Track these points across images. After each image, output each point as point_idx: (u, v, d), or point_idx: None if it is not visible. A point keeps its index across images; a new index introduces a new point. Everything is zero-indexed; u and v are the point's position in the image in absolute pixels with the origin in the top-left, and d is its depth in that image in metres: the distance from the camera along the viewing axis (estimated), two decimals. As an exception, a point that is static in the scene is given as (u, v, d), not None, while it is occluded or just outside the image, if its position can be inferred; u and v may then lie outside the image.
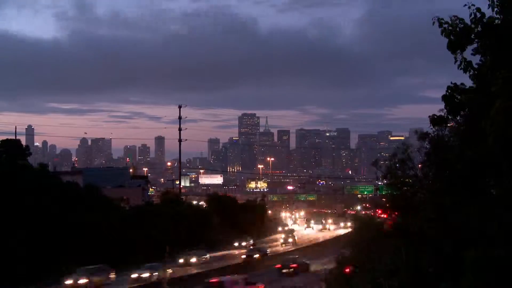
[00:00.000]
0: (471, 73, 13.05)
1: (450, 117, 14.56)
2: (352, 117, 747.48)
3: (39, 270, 57.40)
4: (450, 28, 12.92)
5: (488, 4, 12.57)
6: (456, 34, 12.88)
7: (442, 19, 13.06)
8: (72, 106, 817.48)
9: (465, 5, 12.75)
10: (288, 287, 58.24)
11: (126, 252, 70.21)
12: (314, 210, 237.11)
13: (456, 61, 12.97)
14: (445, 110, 14.32)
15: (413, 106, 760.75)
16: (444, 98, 13.65)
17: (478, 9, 12.74)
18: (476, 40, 12.87)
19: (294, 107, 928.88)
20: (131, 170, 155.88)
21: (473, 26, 12.79)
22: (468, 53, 13.09)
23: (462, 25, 12.90)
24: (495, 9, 12.55)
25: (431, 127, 16.63)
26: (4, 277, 55.03)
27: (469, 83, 13.51)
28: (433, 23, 13.09)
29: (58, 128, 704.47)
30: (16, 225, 58.76)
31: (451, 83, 13.61)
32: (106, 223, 70.53)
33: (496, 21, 12.64)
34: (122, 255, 68.76)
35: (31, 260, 58.28)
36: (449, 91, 13.48)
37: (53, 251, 60.87)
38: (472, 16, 12.73)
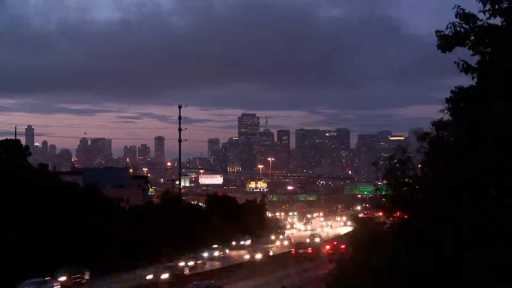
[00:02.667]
0: (472, 74, 13.12)
1: (454, 120, 14.62)
2: (358, 117, 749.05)
3: (38, 271, 57.31)
4: (444, 34, 13.07)
5: (479, 10, 12.67)
6: (446, 37, 13.01)
7: (442, 31, 13.25)
8: (82, 107, 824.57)
9: (454, 8, 12.88)
10: (288, 286, 58.36)
11: (125, 253, 70.23)
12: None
13: (458, 66, 13.04)
14: (448, 112, 14.38)
15: (421, 107, 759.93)
16: (448, 101, 13.71)
17: (472, 15, 12.84)
18: (470, 43, 12.96)
19: (303, 107, 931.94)
20: (131, 170, 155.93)
21: (468, 29, 12.90)
22: (468, 53, 13.15)
23: (454, 30, 13.03)
24: (487, 12, 12.61)
25: (431, 127, 16.70)
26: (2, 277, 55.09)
27: (471, 82, 13.57)
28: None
29: (63, 128, 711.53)
30: (15, 225, 58.72)
31: (455, 87, 13.67)
32: (106, 224, 70.53)
33: (485, 23, 12.70)
34: (122, 256, 68.81)
35: (29, 261, 58.24)
36: (453, 95, 13.55)
37: (52, 252, 60.84)
38: (463, 19, 12.84)
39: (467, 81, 13.76)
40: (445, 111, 14.57)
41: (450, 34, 12.90)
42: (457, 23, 12.90)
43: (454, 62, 12.98)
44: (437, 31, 13.13)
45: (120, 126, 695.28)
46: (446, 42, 12.86)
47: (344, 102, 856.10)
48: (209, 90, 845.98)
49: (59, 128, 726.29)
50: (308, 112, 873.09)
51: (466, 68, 13.06)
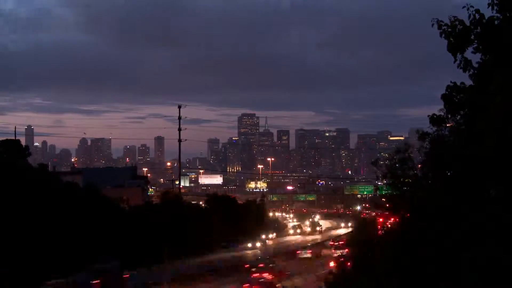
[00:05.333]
0: (470, 72, 13.05)
1: (449, 116, 14.57)
2: (366, 118, 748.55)
3: (37, 272, 57.28)
4: (449, 30, 12.93)
5: (488, 4, 12.57)
6: (456, 36, 12.88)
7: (442, 21, 13.06)
8: (91, 108, 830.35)
9: (464, 6, 12.77)
10: (288, 286, 58.44)
11: (125, 253, 70.17)
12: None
13: (456, 61, 12.97)
14: (444, 110, 14.33)
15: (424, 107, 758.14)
16: (443, 97, 13.65)
17: (477, 10, 12.74)
18: (475, 41, 12.85)
19: (311, 108, 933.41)
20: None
21: (472, 27, 12.79)
22: (468, 51, 13.08)
23: (461, 27, 12.89)
24: (495, 8, 12.54)
25: (431, 126, 16.65)
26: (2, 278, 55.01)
27: (468, 82, 13.51)
28: (432, 25, 13.09)
29: (69, 128, 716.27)
30: (14, 225, 58.68)
31: (451, 82, 13.60)
32: (106, 224, 70.48)
33: (496, 21, 12.62)
34: (122, 256, 68.73)
35: (29, 261, 58.17)
36: (449, 90, 13.48)
37: (52, 252, 60.79)
38: (471, 17, 12.73)
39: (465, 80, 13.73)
40: (443, 109, 14.50)
41: (457, 32, 12.74)
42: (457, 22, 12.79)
43: (454, 61, 12.92)
44: (441, 25, 12.94)
45: (127, 126, 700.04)
46: (457, 42, 12.71)
47: (352, 102, 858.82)
48: (217, 91, 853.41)
49: (65, 128, 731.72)
50: (316, 112, 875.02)
51: (465, 66, 12.99)
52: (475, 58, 13.23)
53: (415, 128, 23.04)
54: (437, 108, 15.02)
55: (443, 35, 12.93)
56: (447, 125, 16.10)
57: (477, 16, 12.65)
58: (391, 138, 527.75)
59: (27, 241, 58.65)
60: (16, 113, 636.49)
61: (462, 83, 13.49)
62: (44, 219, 61.72)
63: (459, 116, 14.67)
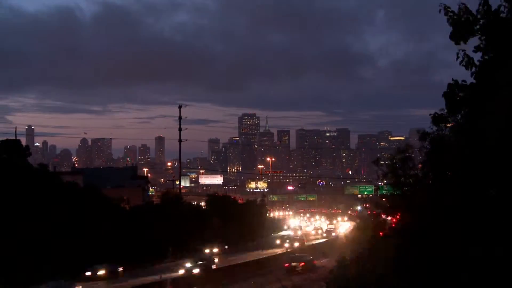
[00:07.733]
0: (472, 70, 12.96)
1: (450, 115, 14.50)
2: (373, 117, 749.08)
3: (38, 272, 57.22)
4: (455, 17, 12.79)
5: None
6: (461, 24, 12.75)
7: (449, 7, 12.94)
8: (99, 108, 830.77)
9: None
10: (288, 286, 58.26)
11: (126, 253, 70.14)
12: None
13: (458, 58, 12.88)
14: (445, 110, 14.27)
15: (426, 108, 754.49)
16: (445, 95, 13.58)
17: (486, 1, 12.62)
18: (479, 32, 12.72)
19: (321, 107, 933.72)
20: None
21: (478, 16, 12.64)
22: (469, 49, 13.01)
23: (467, 15, 12.76)
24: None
25: (432, 126, 16.60)
26: (3, 278, 54.96)
27: (470, 80, 13.42)
28: (440, 10, 12.95)
29: (75, 129, 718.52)
30: (15, 226, 58.66)
31: (452, 80, 13.52)
32: (106, 224, 70.45)
33: (502, 14, 12.51)
34: (122, 256, 68.70)
35: (30, 262, 58.13)
36: (450, 88, 13.40)
37: (53, 253, 60.76)
38: (480, 7, 12.59)
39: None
40: (443, 109, 14.44)
41: (463, 20, 12.58)
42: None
43: (457, 58, 12.83)
44: (448, 11, 12.77)
45: (135, 126, 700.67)
46: (461, 30, 12.55)
47: (360, 102, 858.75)
48: (226, 90, 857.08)
49: (72, 129, 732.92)
50: (325, 113, 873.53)
51: (468, 63, 12.89)
52: (476, 56, 13.17)
53: (415, 128, 23.01)
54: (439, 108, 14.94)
55: (449, 22, 12.78)
56: (448, 124, 16.05)
57: (485, 7, 12.52)
58: (391, 138, 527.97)
59: (26, 241, 58.62)
60: (23, 113, 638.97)
61: (464, 81, 13.41)
62: (44, 219, 61.71)
63: (459, 115, 14.61)
